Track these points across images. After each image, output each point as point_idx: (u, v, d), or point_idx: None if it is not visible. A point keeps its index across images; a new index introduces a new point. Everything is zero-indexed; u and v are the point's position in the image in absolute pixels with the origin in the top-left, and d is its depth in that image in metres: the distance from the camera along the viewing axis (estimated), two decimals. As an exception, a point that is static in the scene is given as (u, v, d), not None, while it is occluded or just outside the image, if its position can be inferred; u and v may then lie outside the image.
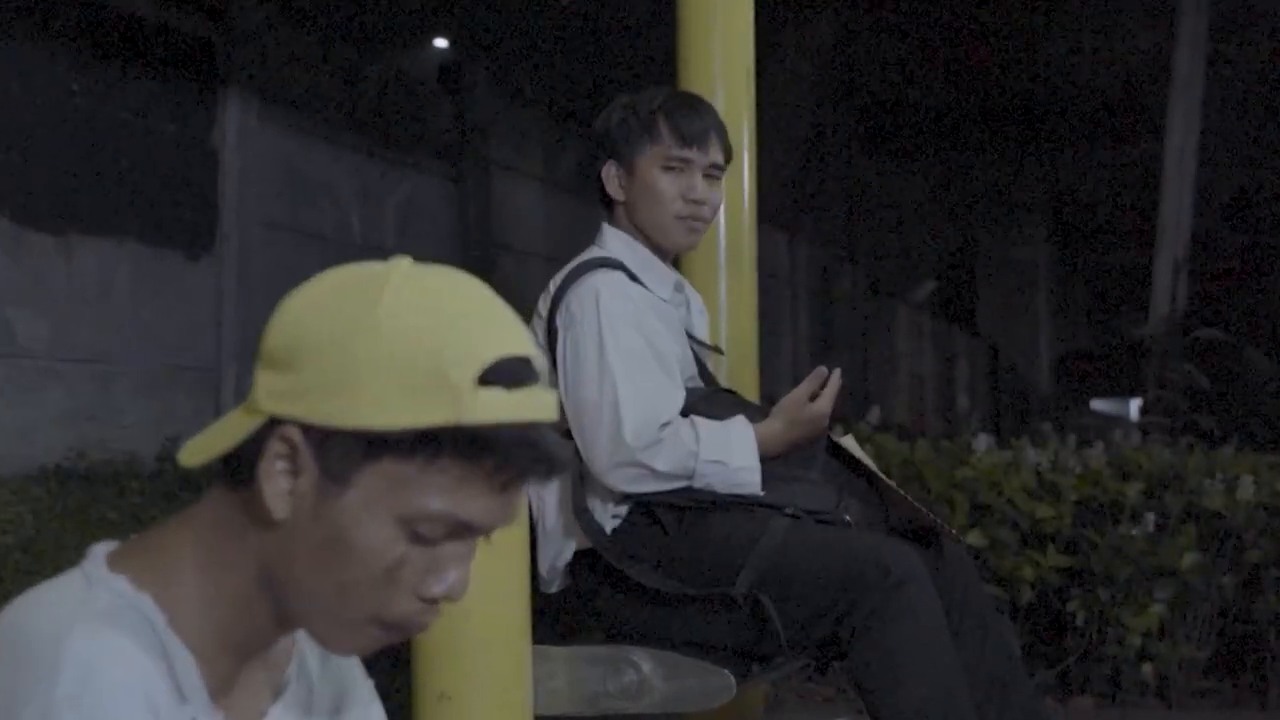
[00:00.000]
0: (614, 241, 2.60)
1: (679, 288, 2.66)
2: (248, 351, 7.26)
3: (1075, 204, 17.72)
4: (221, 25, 7.39)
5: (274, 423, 1.05)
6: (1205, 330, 6.98)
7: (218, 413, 7.07)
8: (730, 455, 2.39)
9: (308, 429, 1.04)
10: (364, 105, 8.59)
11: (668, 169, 2.56)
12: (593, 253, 2.59)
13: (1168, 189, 8.88)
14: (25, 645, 1.01)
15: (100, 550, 1.11)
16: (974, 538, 4.09)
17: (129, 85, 6.78)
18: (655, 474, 2.38)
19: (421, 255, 1.13)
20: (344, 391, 1.02)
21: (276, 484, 1.05)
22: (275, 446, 1.05)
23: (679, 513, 2.41)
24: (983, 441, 4.49)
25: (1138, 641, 4.16)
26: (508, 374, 1.03)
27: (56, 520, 4.61)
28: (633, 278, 2.54)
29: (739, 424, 2.43)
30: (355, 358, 1.02)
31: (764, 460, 2.42)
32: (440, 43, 9.59)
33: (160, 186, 6.91)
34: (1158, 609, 4.14)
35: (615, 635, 2.43)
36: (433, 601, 1.08)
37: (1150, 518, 4.14)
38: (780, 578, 2.31)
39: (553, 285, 2.53)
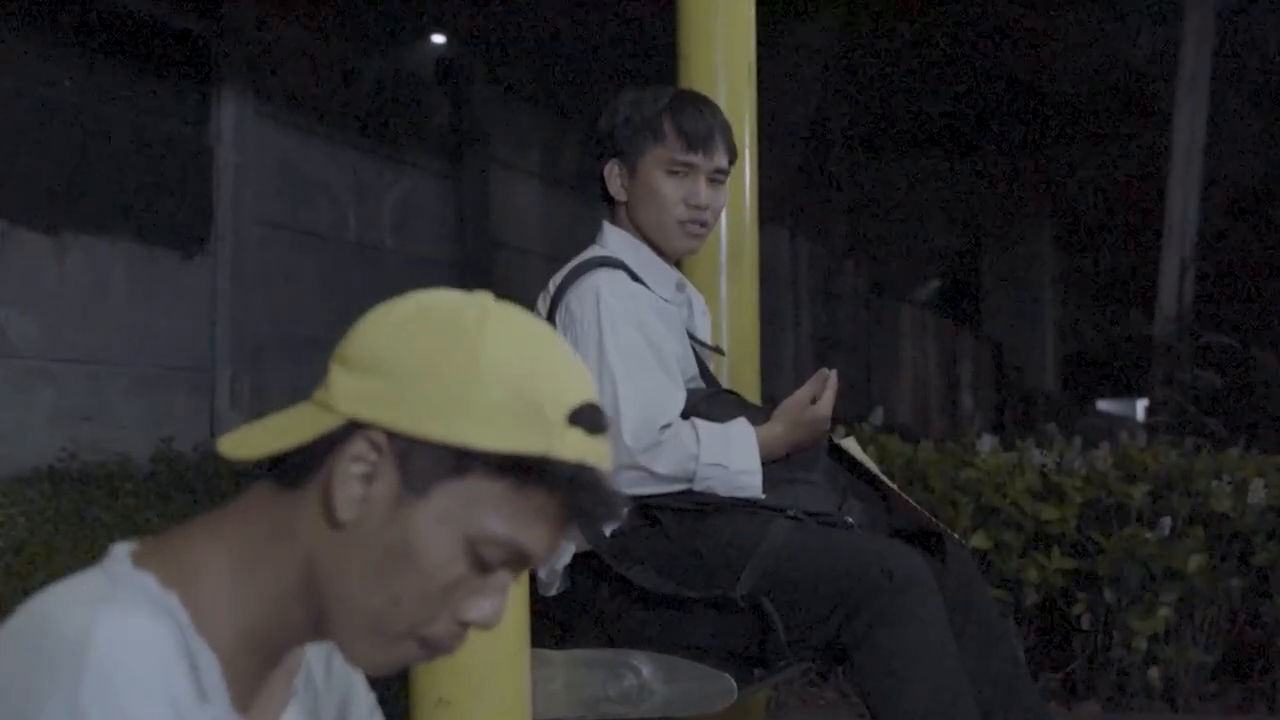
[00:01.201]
0: (615, 240, 2.57)
1: (680, 288, 2.63)
2: (243, 351, 7.25)
3: (1081, 202, 17.67)
4: (216, 21, 7.36)
5: (353, 426, 1.06)
6: (1213, 335, 6.93)
7: (213, 413, 7.05)
8: (731, 458, 2.38)
9: (393, 436, 1.05)
10: (360, 102, 8.57)
11: (671, 173, 2.52)
12: (594, 251, 2.56)
13: (1174, 186, 8.84)
14: (48, 641, 1.00)
15: (123, 549, 1.10)
16: (978, 540, 4.07)
17: (123, 82, 6.75)
18: (655, 476, 2.36)
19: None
20: (446, 407, 1.04)
21: (350, 487, 1.06)
22: (357, 448, 1.06)
23: (679, 515, 2.38)
24: (987, 443, 4.47)
25: (1144, 645, 4.14)
26: (589, 419, 1.08)
27: (49, 523, 4.58)
28: (634, 277, 2.51)
29: (740, 426, 2.41)
30: (460, 377, 1.05)
31: (765, 463, 2.40)
32: (438, 39, 9.56)
33: (154, 185, 6.88)
34: (1164, 612, 4.11)
35: (615, 639, 2.40)
36: (465, 626, 1.09)
37: (1166, 521, 4.10)
38: (782, 581, 2.28)
39: (553, 284, 2.51)
